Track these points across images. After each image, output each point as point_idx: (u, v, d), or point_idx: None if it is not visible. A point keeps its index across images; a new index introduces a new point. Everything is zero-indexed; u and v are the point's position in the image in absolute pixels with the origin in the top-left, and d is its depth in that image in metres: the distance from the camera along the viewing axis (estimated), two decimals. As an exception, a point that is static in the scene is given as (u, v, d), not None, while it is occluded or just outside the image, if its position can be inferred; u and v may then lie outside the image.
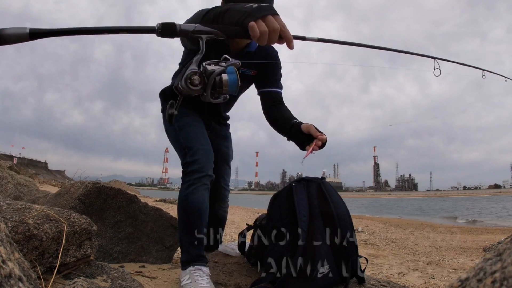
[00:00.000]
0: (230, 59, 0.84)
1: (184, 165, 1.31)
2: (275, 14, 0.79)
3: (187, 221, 1.26)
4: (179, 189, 1.31)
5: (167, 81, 1.54)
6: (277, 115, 1.38)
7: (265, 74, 1.44)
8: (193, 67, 0.79)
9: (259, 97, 1.46)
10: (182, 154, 1.34)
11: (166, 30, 0.73)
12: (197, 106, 1.47)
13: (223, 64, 0.82)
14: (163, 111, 1.51)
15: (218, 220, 1.67)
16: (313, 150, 1.15)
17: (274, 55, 1.46)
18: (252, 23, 0.76)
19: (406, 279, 2.30)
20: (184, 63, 1.45)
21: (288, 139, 1.30)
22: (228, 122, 1.69)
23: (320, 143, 1.16)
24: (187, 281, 1.18)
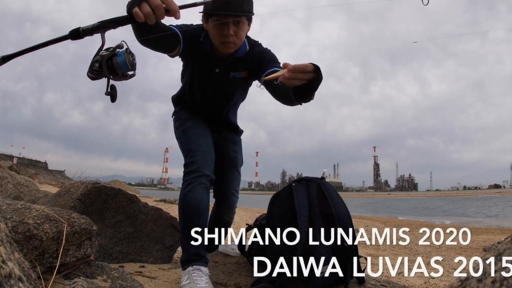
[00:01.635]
0: (123, 44, 0.93)
1: (184, 166, 1.35)
2: None
3: (185, 220, 1.28)
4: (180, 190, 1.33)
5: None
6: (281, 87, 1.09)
7: (260, 68, 1.32)
8: (95, 57, 0.91)
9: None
10: (184, 156, 1.39)
11: (73, 34, 0.87)
12: (202, 112, 1.50)
13: (111, 49, 0.92)
14: (173, 115, 1.58)
15: (222, 225, 1.67)
16: (282, 77, 0.87)
17: (265, 52, 1.38)
18: (135, 9, 0.82)
19: (406, 279, 2.30)
20: (184, 67, 1.48)
21: (300, 102, 1.04)
22: (241, 129, 1.66)
23: (291, 67, 0.85)
24: (186, 281, 1.18)
